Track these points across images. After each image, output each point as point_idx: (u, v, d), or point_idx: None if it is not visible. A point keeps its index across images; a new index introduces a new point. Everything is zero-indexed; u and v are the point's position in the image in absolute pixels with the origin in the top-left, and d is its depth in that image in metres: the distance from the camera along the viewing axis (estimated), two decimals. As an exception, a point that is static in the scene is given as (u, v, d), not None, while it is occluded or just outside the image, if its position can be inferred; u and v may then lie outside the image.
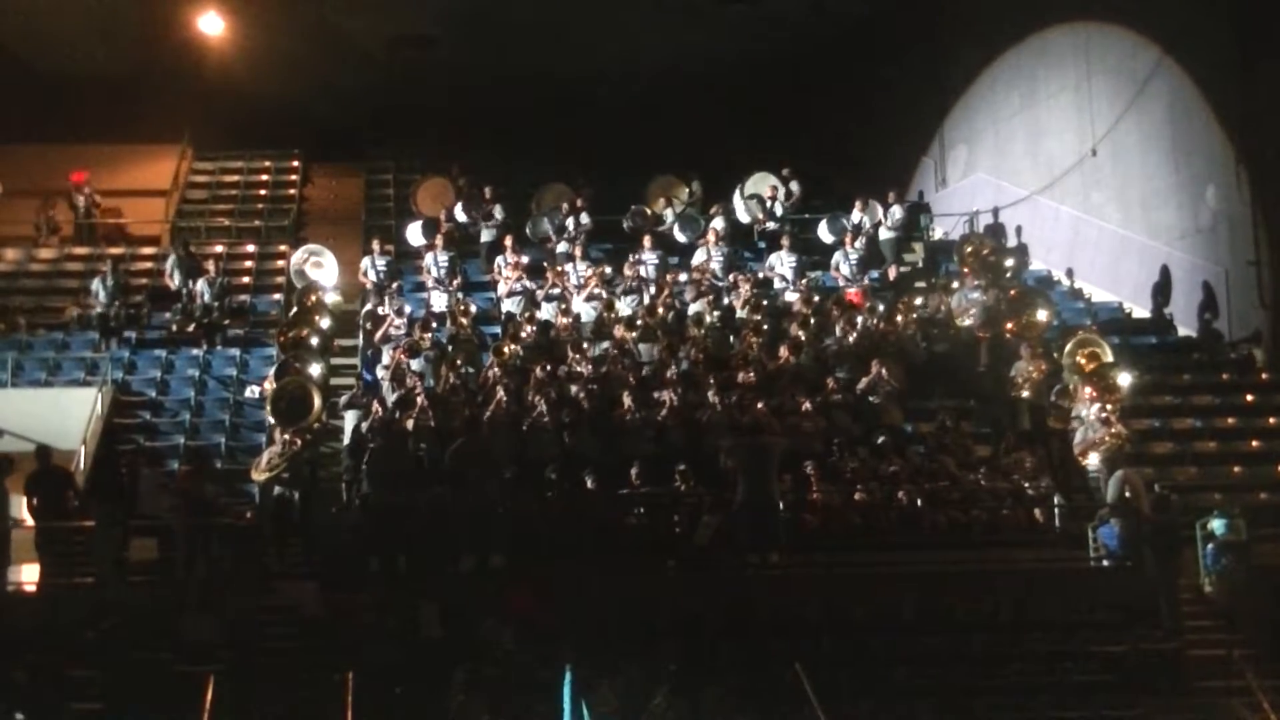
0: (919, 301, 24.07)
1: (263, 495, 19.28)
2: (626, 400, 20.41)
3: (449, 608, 16.66)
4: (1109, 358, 20.50)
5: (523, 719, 15.04)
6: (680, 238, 27.26)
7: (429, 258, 25.44)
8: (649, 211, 27.54)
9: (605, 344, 22.72)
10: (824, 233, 27.42)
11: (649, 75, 32.15)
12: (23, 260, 28.31)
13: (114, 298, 25.08)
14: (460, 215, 27.16)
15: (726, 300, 24.53)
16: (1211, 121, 23.95)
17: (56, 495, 18.44)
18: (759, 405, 20.11)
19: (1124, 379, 20.10)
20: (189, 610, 16.61)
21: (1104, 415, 19.65)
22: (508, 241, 25.55)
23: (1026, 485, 19.47)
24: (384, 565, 17.88)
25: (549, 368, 21.34)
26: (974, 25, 30.01)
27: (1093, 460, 19.82)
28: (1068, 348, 20.74)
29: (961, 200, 30.40)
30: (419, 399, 20.27)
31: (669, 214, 27.67)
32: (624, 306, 24.04)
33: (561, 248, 26.19)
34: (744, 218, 27.81)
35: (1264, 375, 23.36)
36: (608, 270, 25.18)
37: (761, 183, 28.21)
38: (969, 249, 24.96)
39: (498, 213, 27.24)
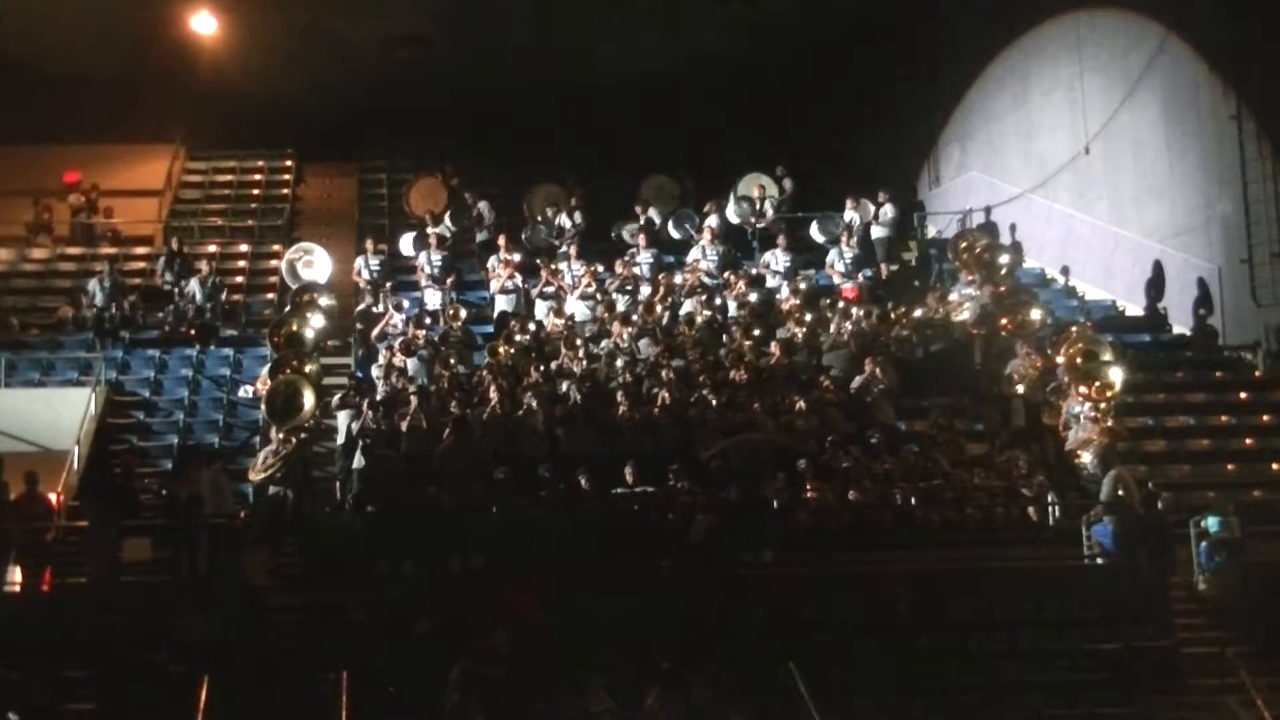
0: (918, 313, 23.99)
1: (257, 495, 19.31)
2: (620, 400, 20.36)
3: (442, 607, 16.65)
4: (1108, 356, 20.46)
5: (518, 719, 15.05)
6: (674, 234, 27.22)
7: (423, 256, 25.41)
8: (634, 226, 27.22)
9: (603, 343, 22.66)
10: (815, 233, 27.37)
11: (644, 74, 32.10)
12: (16, 260, 28.23)
13: (111, 298, 25.06)
14: (450, 226, 26.96)
15: (719, 300, 24.50)
16: (1206, 119, 23.93)
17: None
18: (753, 405, 20.08)
19: (1115, 374, 20.04)
20: (183, 610, 16.58)
21: (1094, 414, 19.66)
22: (501, 240, 25.52)
23: (1021, 484, 19.48)
24: (376, 565, 17.83)
25: (542, 367, 21.32)
26: (967, 24, 30.00)
27: (1086, 458, 19.81)
28: (1063, 346, 20.73)
29: (955, 199, 30.42)
30: (411, 399, 20.25)
31: (656, 216, 27.54)
32: (619, 303, 24.01)
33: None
34: (734, 219, 27.75)
35: (1257, 372, 23.37)
36: (600, 269, 25.12)
37: (751, 183, 28.15)
38: (964, 245, 24.98)
39: (485, 211, 27.19)
